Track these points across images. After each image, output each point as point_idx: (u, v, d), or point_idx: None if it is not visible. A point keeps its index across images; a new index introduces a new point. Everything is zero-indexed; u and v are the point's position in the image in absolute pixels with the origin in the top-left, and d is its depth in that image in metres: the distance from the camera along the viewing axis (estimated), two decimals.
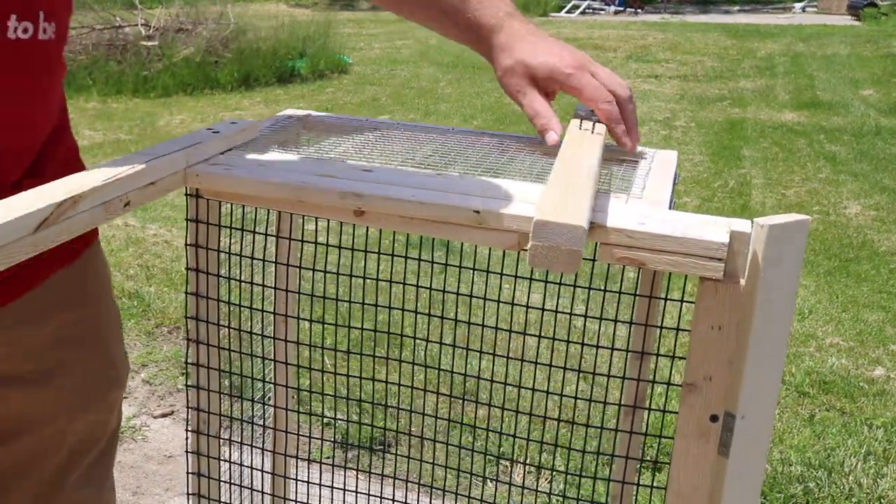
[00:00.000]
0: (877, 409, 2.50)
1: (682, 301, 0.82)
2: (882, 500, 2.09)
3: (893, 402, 2.55)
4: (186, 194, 0.94)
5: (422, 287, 1.05)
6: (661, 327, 0.88)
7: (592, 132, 0.89)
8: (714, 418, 0.71)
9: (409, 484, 1.22)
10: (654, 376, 0.91)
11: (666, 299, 0.88)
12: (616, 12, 16.36)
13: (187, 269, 0.98)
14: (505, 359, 1.15)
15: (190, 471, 1.07)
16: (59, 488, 0.94)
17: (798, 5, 17.52)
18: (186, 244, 0.97)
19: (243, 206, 0.93)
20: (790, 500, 2.08)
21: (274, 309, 1.10)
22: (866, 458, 2.24)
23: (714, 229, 0.69)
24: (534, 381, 1.04)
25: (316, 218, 0.83)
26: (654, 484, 1.09)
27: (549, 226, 0.60)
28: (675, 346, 0.86)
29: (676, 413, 0.73)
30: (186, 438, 1.06)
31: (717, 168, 5.34)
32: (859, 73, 9.02)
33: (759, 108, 7.31)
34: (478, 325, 1.15)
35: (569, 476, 1.96)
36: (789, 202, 4.66)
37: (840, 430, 2.38)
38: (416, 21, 1.05)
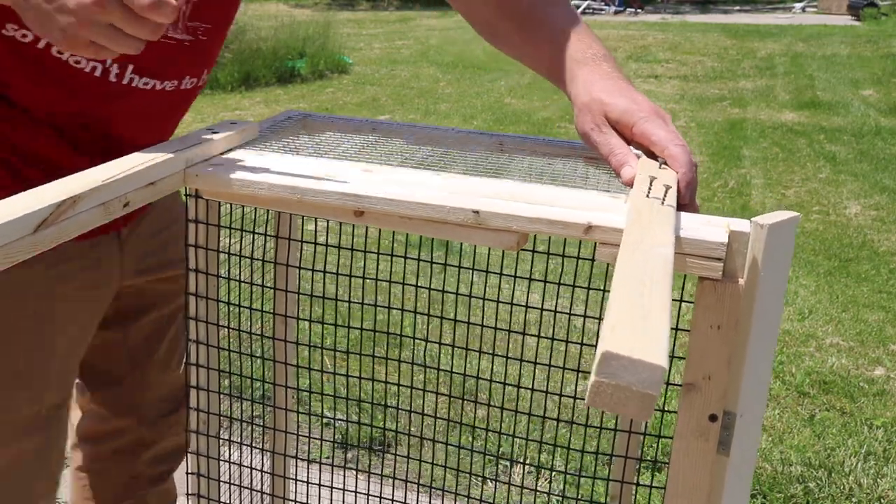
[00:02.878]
0: (877, 409, 2.50)
1: (680, 301, 0.82)
2: (882, 500, 2.08)
3: (893, 402, 2.55)
4: (186, 195, 0.94)
5: (421, 287, 1.05)
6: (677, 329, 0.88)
7: (663, 199, 0.72)
8: (713, 418, 0.71)
9: (408, 484, 1.23)
10: None
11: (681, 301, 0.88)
12: (616, 12, 16.36)
13: (187, 269, 0.98)
14: (504, 359, 1.15)
15: (189, 471, 1.07)
16: (169, 368, 1.24)
17: (798, 5, 17.53)
18: (186, 244, 0.97)
19: (243, 207, 0.93)
20: (790, 500, 2.08)
21: (273, 309, 1.10)
22: (866, 458, 2.24)
23: (713, 229, 0.69)
24: (533, 381, 1.04)
25: (315, 218, 0.84)
26: (654, 484, 1.09)
27: (620, 360, 0.46)
28: (674, 346, 0.86)
29: (675, 412, 0.73)
30: (186, 439, 1.06)
31: (717, 168, 5.34)
32: (859, 73, 9.02)
33: (759, 109, 7.31)
34: (478, 324, 1.15)
35: (568, 476, 1.96)
36: (789, 202, 4.66)
37: (840, 430, 2.38)
38: (511, 53, 1.05)
